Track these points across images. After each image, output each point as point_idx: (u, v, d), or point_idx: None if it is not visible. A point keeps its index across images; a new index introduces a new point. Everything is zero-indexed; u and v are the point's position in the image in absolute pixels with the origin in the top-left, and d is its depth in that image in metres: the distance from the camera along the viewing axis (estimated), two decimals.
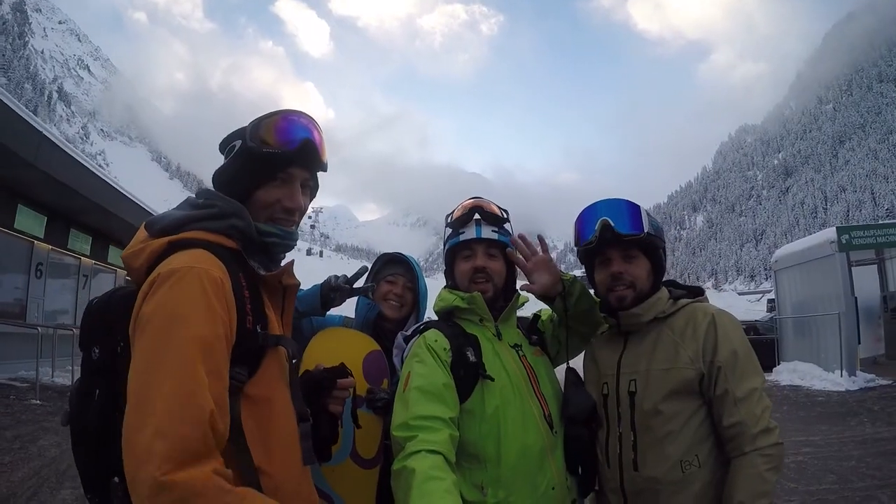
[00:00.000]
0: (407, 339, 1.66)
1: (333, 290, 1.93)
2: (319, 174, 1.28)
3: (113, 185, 12.86)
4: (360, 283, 2.03)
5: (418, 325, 1.73)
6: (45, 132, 9.41)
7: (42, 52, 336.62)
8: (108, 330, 1.06)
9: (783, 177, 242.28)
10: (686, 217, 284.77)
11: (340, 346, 1.82)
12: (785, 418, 7.94)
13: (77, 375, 1.15)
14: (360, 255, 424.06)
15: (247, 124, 1.20)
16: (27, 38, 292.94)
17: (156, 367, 0.89)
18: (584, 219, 1.65)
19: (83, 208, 12.03)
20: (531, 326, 1.80)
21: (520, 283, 1.75)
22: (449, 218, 1.77)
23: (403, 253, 2.13)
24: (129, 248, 1.08)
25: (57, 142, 9.96)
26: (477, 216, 1.69)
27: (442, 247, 1.75)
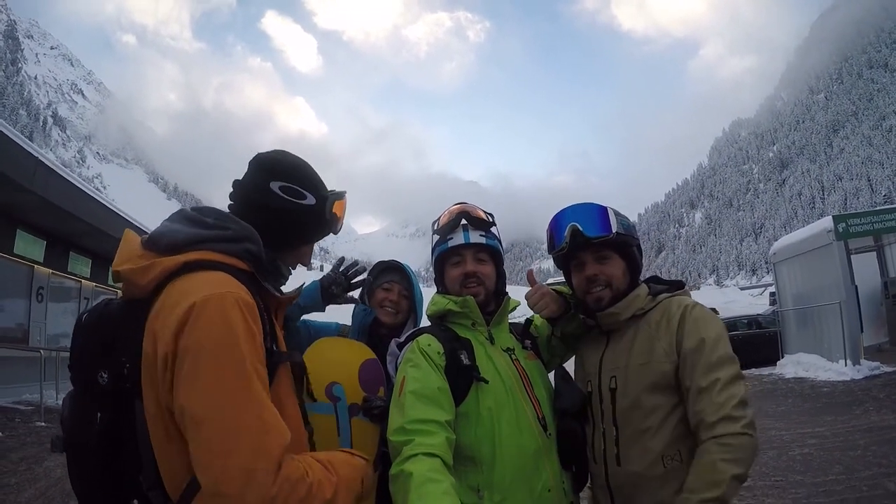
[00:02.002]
0: (401, 346, 1.68)
1: (334, 284, 1.98)
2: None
3: (110, 207, 12.93)
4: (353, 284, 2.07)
5: (411, 331, 1.76)
6: (40, 157, 9.46)
7: (35, 78, 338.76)
8: (106, 350, 1.04)
9: (779, 169, 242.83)
10: (684, 214, 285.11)
11: (336, 355, 1.84)
12: (790, 411, 7.95)
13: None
14: None
15: (313, 174, 1.31)
16: (20, 65, 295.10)
17: (226, 393, 0.92)
18: (554, 226, 1.66)
19: (82, 231, 12.05)
20: (524, 331, 1.81)
21: (515, 289, 1.74)
22: (435, 224, 1.77)
23: (399, 261, 2.14)
24: (126, 263, 1.07)
25: (53, 166, 10.02)
26: (464, 221, 1.72)
27: (430, 253, 1.77)
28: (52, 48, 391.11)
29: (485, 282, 1.68)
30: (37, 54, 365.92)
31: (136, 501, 1.00)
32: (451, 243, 1.70)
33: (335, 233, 1.31)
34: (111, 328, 1.04)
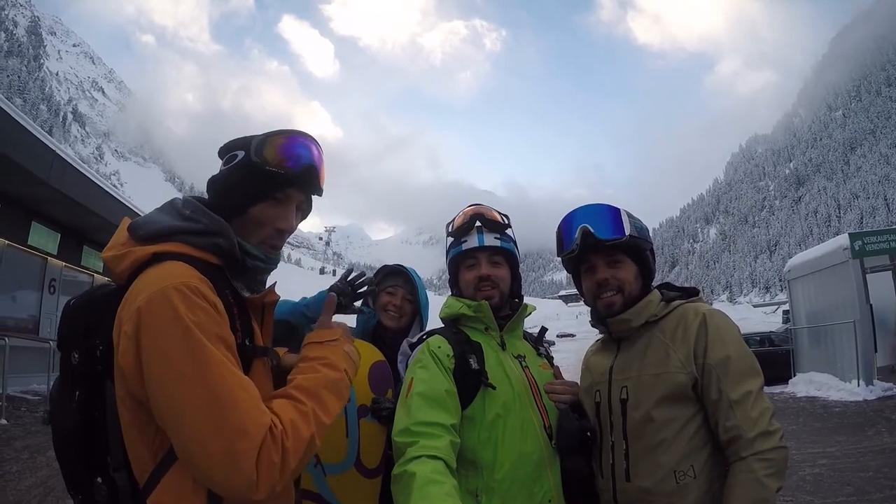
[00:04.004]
0: (412, 347, 1.68)
1: (341, 294, 1.98)
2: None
3: (125, 203, 13.11)
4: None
5: (424, 332, 1.75)
6: (58, 151, 9.61)
7: (57, 74, 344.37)
8: (87, 332, 1.05)
9: (795, 186, 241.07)
10: (699, 230, 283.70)
11: None
12: (801, 430, 7.79)
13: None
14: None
15: (251, 136, 1.18)
16: (42, 61, 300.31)
17: (190, 384, 0.91)
18: (564, 227, 1.61)
19: (96, 226, 12.18)
20: (539, 339, 1.80)
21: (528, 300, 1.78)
22: (450, 226, 1.74)
23: (403, 265, 2.14)
24: (110, 249, 1.08)
25: (70, 161, 10.18)
26: (478, 223, 1.68)
27: (445, 256, 1.75)
28: (74, 45, 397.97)
29: (499, 285, 1.65)
30: (59, 51, 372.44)
31: (99, 479, 1.00)
32: (465, 246, 1.67)
33: (285, 173, 1.15)
34: (97, 311, 1.06)
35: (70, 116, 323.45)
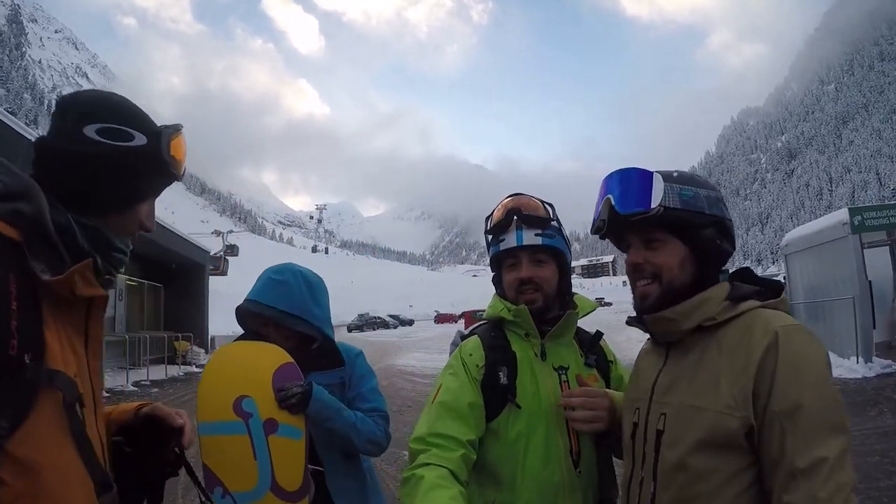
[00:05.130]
0: (463, 338, 1.59)
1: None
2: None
3: None
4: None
5: (476, 325, 1.65)
6: (31, 139, 9.20)
7: (40, 62, 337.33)
8: None
9: (787, 159, 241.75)
10: None
11: (245, 362, 1.63)
12: None
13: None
14: (366, 251, 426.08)
15: (144, 116, 1.00)
16: (24, 49, 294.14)
17: None
18: (598, 197, 1.27)
19: None
20: (592, 344, 1.57)
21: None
22: (488, 221, 1.58)
23: (260, 300, 1.72)
24: None
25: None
26: (517, 218, 1.50)
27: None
28: (56, 32, 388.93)
29: (543, 287, 1.49)
30: (41, 38, 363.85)
31: None
32: (503, 245, 1.52)
33: (179, 179, 1.03)
34: None
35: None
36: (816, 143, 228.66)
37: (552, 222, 1.52)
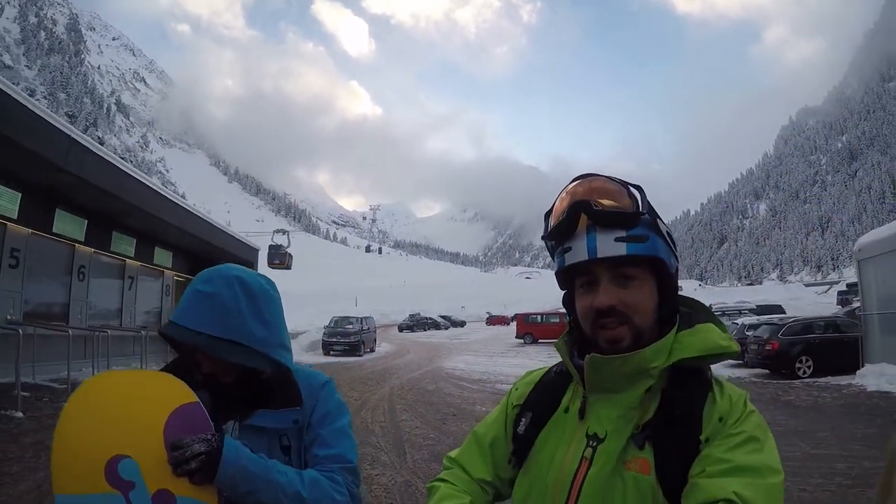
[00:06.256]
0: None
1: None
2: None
3: (153, 187, 12.89)
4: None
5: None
6: (73, 135, 9.31)
7: (98, 68, 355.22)
8: None
9: (848, 160, 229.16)
10: (748, 205, 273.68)
11: (127, 402, 1.10)
12: (881, 434, 6.79)
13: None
14: (419, 251, 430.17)
15: None
16: (83, 56, 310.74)
17: None
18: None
19: (123, 211, 12.07)
20: (681, 403, 0.94)
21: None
22: (548, 219, 1.05)
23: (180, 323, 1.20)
24: None
25: (88, 145, 9.89)
26: (585, 217, 0.98)
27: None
28: (113, 39, 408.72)
29: (632, 318, 0.96)
30: (99, 45, 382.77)
31: None
32: (569, 258, 0.99)
33: None
34: None
35: (114, 108, 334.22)
36: (878, 143, 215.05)
37: (643, 216, 0.98)
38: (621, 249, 0.93)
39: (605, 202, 0.96)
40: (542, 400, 1.09)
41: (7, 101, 7.57)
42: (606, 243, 0.94)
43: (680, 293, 1.02)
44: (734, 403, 0.92)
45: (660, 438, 0.89)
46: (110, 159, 10.85)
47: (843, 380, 10.99)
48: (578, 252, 0.96)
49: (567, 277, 1.04)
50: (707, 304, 1.00)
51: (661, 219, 0.98)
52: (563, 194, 1.03)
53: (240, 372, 1.24)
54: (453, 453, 1.17)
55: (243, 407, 1.24)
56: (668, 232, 0.98)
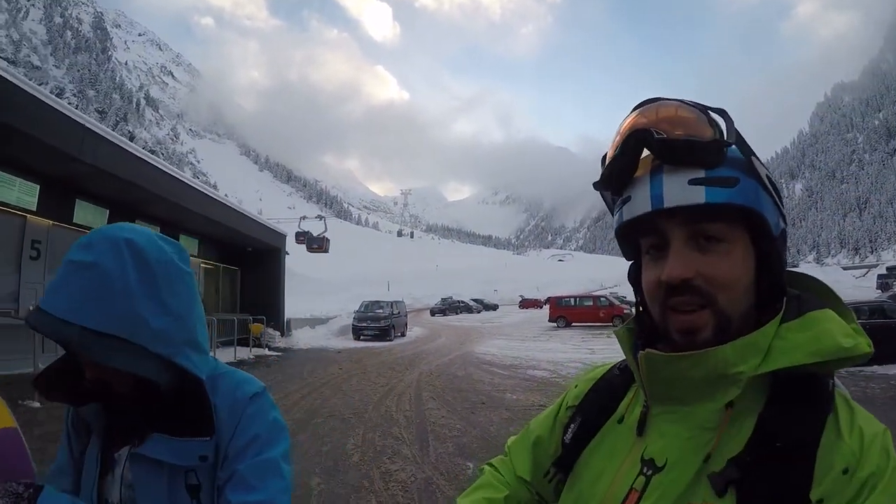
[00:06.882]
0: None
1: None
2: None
3: (174, 175, 12.80)
4: None
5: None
6: (87, 125, 9.21)
7: (126, 64, 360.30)
8: None
9: (886, 138, 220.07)
10: (783, 185, 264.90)
11: None
12: None
13: None
14: (451, 235, 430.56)
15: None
16: (110, 52, 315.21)
17: None
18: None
19: (145, 199, 12.02)
20: (770, 435, 0.60)
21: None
22: (604, 161, 0.74)
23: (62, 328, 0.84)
24: None
25: (104, 134, 9.79)
26: (649, 154, 0.69)
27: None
28: (139, 35, 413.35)
29: (716, 297, 0.64)
30: (125, 42, 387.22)
31: None
32: (627, 210, 0.69)
33: None
34: None
35: (143, 102, 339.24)
36: None
37: (729, 148, 0.66)
38: (698, 196, 0.64)
39: (676, 131, 0.66)
40: (597, 403, 0.85)
41: (17, 92, 7.46)
42: (676, 187, 0.65)
43: (791, 269, 0.71)
44: (867, 447, 0.58)
45: (750, 485, 0.58)
46: (126, 147, 10.76)
47: (891, 369, 10.34)
48: (639, 202, 0.67)
49: (631, 240, 0.75)
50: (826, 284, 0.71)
51: (757, 157, 0.68)
52: (622, 127, 0.72)
53: (137, 380, 0.87)
54: (511, 440, 1.02)
55: (141, 427, 0.89)
56: (768, 176, 0.68)
